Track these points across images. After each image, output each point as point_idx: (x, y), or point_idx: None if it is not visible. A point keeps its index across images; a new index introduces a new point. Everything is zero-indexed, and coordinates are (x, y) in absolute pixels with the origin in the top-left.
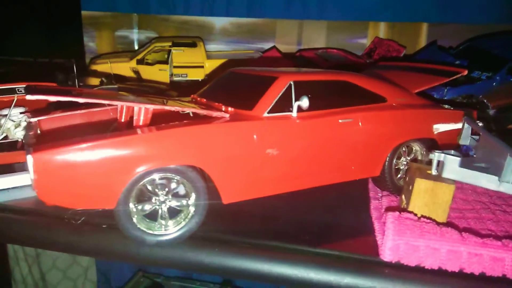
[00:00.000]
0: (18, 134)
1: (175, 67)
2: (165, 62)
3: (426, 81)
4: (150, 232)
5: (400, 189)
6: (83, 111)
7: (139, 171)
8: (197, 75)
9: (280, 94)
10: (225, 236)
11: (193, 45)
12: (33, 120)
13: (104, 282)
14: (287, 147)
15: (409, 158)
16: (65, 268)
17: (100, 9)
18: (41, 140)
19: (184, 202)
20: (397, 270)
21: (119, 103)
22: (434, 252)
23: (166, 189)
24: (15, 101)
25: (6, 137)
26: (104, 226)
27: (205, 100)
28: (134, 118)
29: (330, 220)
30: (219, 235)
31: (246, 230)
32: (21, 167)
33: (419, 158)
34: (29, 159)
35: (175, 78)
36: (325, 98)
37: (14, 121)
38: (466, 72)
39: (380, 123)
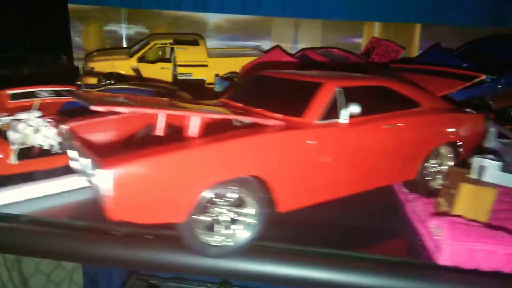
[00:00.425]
0: (38, 140)
1: (179, 65)
2: (168, 60)
3: (447, 85)
4: (213, 243)
5: (430, 191)
6: (114, 116)
7: (213, 182)
8: (202, 74)
9: (328, 100)
10: (280, 245)
11: (194, 43)
12: (65, 126)
13: (91, 286)
14: (340, 154)
15: (436, 161)
16: (49, 272)
17: (88, 3)
18: (95, 150)
19: (244, 212)
20: (454, 273)
21: (185, 113)
22: (491, 255)
23: (226, 199)
24: (35, 105)
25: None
26: (150, 237)
27: (241, 105)
28: (190, 127)
29: (370, 225)
30: (274, 243)
31: (296, 237)
32: (41, 175)
33: (445, 161)
34: (105, 174)
35: (180, 77)
36: (367, 103)
37: (32, 126)
38: (484, 77)
39: (418, 127)
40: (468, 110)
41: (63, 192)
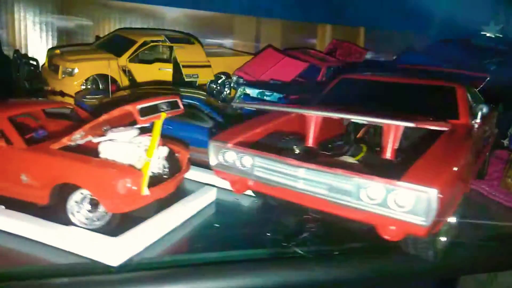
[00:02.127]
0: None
1: (183, 66)
2: (165, 60)
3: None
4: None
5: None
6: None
7: None
8: (207, 75)
9: (468, 102)
10: None
11: (189, 41)
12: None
13: None
14: (473, 151)
15: None
16: None
17: None
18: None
19: None
20: None
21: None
22: None
23: None
24: (160, 122)
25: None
26: None
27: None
28: (388, 136)
29: None
30: None
31: None
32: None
33: None
34: (428, 192)
35: (187, 79)
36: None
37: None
38: (488, 77)
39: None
40: None
41: None
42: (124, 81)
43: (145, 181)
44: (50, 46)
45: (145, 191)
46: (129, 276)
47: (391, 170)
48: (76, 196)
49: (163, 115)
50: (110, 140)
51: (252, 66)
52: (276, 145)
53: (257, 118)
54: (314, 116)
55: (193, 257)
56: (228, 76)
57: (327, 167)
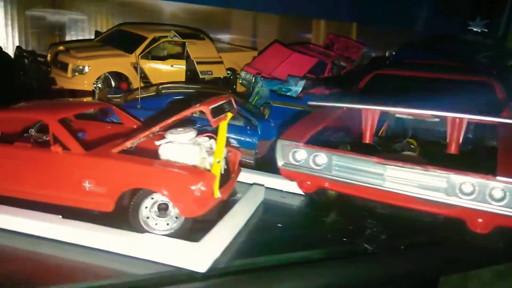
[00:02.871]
0: (207, 165)
1: (198, 63)
2: (179, 57)
3: None
4: None
5: None
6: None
7: None
8: (221, 72)
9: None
10: None
11: (199, 37)
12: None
13: None
14: None
15: None
16: None
17: None
18: None
19: None
20: None
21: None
22: None
23: None
24: (227, 120)
25: None
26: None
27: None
28: (454, 131)
29: None
30: None
31: None
32: None
33: None
34: None
35: (202, 76)
36: None
37: (202, 148)
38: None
39: None
40: None
41: None
42: (136, 79)
43: (218, 183)
44: (42, 42)
45: (218, 193)
46: (219, 282)
47: (466, 165)
48: (148, 201)
49: (229, 115)
50: (170, 142)
51: (261, 62)
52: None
53: (312, 115)
54: (374, 112)
55: (272, 258)
56: (234, 72)
57: (417, 165)
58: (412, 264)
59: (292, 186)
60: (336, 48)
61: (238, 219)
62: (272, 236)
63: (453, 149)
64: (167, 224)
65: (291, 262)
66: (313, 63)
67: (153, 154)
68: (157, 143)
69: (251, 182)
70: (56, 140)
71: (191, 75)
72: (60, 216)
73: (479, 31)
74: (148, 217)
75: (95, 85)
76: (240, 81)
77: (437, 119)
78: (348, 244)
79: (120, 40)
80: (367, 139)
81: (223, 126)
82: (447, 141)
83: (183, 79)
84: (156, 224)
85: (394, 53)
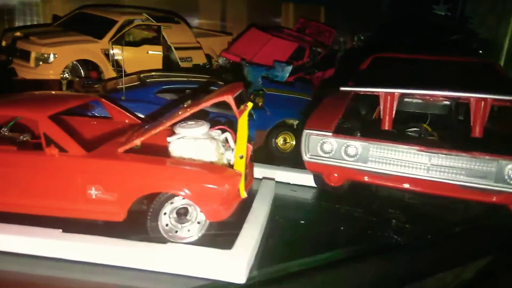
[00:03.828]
0: (225, 161)
1: (176, 49)
2: (155, 42)
3: None
4: None
5: None
6: None
7: None
8: (200, 58)
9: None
10: None
11: (175, 20)
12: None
13: None
14: None
15: None
16: None
17: None
18: None
19: None
20: None
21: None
22: None
23: None
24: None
25: None
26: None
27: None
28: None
29: None
30: None
31: None
32: None
33: None
34: None
35: (182, 63)
36: None
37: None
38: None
39: None
40: None
41: None
42: (107, 68)
43: (243, 181)
44: None
45: (245, 193)
46: None
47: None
48: (168, 207)
49: (250, 105)
50: (182, 137)
51: (239, 47)
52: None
53: (326, 102)
54: (393, 97)
55: (309, 260)
56: (209, 58)
57: (463, 152)
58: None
59: (299, 179)
60: (308, 32)
61: (262, 219)
62: (299, 235)
63: (477, 132)
64: (188, 230)
65: (328, 262)
66: (294, 48)
67: (161, 152)
68: (168, 139)
69: (260, 177)
70: (49, 141)
71: (168, 62)
72: (60, 230)
73: (443, 14)
74: (167, 224)
75: (62, 76)
76: (218, 67)
77: (447, 102)
78: (381, 238)
79: (85, 24)
80: (386, 126)
81: (244, 117)
82: (471, 124)
83: (160, 67)
84: (176, 232)
85: (362, 37)
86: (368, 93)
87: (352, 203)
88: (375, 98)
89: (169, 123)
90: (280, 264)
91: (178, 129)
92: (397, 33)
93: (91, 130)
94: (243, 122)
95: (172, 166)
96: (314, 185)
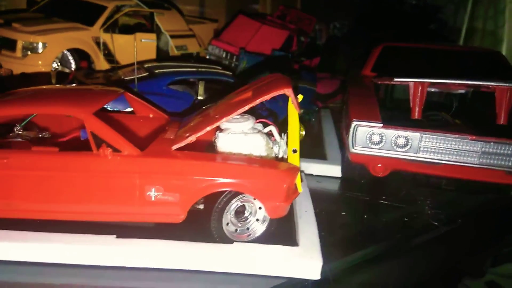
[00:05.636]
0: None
1: (172, 37)
2: (148, 30)
3: None
4: None
5: None
6: None
7: None
8: (194, 46)
9: None
10: None
11: (164, 7)
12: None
13: None
14: None
15: None
16: None
17: None
18: None
19: None
20: None
21: None
22: None
23: None
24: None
25: None
26: None
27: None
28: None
29: None
30: None
31: None
32: None
33: None
34: None
35: (178, 52)
36: None
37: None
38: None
39: None
40: None
41: None
42: (100, 57)
43: (299, 176)
44: None
45: (301, 187)
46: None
47: None
48: (231, 205)
49: (301, 97)
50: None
51: (230, 36)
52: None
53: (357, 92)
54: (424, 87)
55: (368, 251)
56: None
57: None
58: None
59: (321, 169)
60: (288, 20)
61: (312, 212)
62: (347, 227)
63: (502, 119)
64: (247, 229)
65: (385, 250)
66: (285, 36)
67: (204, 147)
68: (221, 134)
69: None
70: (99, 141)
71: (161, 51)
72: (115, 236)
73: (414, 2)
74: (227, 224)
75: (57, 66)
76: (208, 56)
77: (462, 91)
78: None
79: (69, 10)
80: (416, 115)
81: (295, 110)
82: (496, 111)
83: (154, 55)
84: (236, 230)
85: (338, 25)
86: (404, 83)
87: (381, 191)
88: (393, 87)
89: (225, 118)
90: (345, 257)
91: (225, 124)
92: (372, 21)
93: (119, 127)
94: (294, 114)
95: (237, 164)
96: (335, 175)
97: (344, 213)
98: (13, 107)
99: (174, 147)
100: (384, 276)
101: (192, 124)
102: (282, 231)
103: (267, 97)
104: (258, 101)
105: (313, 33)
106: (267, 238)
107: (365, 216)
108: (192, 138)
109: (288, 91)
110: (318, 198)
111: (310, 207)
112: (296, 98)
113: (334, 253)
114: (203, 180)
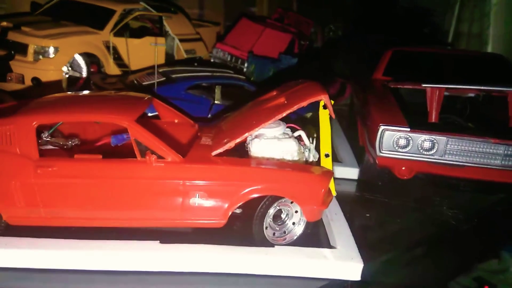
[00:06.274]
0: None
1: (181, 41)
2: (158, 34)
3: None
4: None
5: None
6: None
7: None
8: (202, 50)
9: None
10: None
11: (170, 10)
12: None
13: None
14: None
15: None
16: None
17: None
18: None
19: None
20: None
21: None
22: None
23: None
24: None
25: None
26: None
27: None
28: None
29: None
30: None
31: None
32: None
33: None
34: None
35: (187, 56)
36: None
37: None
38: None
39: None
40: None
41: None
42: (110, 61)
43: (333, 180)
44: None
45: (335, 192)
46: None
47: None
48: (271, 209)
49: (332, 102)
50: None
51: (234, 39)
52: None
53: (377, 97)
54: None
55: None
56: None
57: None
58: None
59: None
60: (286, 23)
61: (342, 214)
62: (375, 228)
63: None
64: (284, 232)
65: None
66: (289, 40)
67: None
68: (255, 139)
69: None
70: (142, 148)
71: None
72: (158, 241)
73: (406, 6)
74: (266, 228)
75: (67, 70)
76: (212, 59)
77: (472, 94)
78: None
79: (76, 13)
80: (433, 118)
81: (326, 115)
82: (509, 114)
83: (163, 59)
84: (274, 234)
85: (333, 28)
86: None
87: (399, 194)
88: (405, 91)
89: (263, 124)
90: (380, 258)
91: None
92: (366, 24)
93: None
94: (326, 119)
95: (277, 169)
96: (351, 177)
97: (368, 214)
98: (58, 114)
99: (214, 153)
100: (418, 276)
101: (226, 129)
102: (316, 234)
103: (304, 103)
104: (295, 108)
105: (310, 36)
106: (303, 241)
107: (389, 217)
108: (231, 144)
109: (325, 98)
110: (340, 201)
111: (339, 210)
112: (331, 105)
113: (370, 254)
114: (246, 185)
